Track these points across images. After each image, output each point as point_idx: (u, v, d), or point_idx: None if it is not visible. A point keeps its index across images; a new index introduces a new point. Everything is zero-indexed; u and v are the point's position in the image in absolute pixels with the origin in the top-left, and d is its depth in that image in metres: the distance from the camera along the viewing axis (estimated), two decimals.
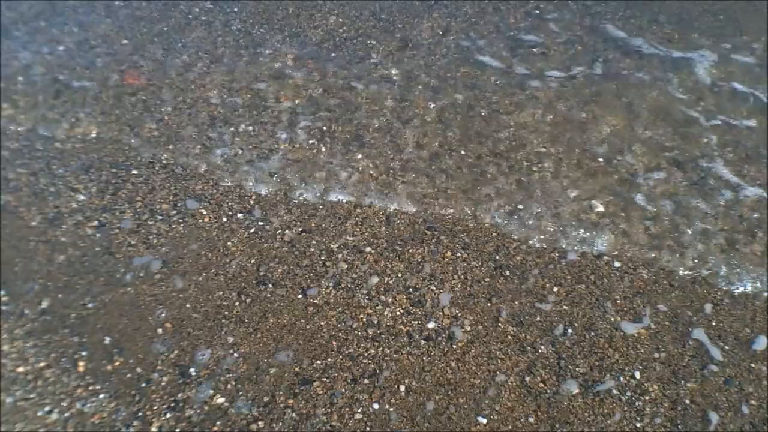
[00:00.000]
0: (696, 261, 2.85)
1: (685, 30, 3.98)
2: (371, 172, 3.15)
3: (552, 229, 2.94)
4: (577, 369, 2.45)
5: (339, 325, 2.56)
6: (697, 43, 3.90)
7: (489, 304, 2.64)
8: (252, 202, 3.02)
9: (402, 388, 2.38)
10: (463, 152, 3.25)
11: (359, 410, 2.32)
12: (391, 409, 2.32)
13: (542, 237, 2.91)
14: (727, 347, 2.55)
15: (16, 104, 3.43)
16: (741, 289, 2.76)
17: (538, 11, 4.06)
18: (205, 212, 2.97)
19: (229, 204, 3.01)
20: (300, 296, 2.65)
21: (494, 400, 2.35)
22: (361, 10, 4.06)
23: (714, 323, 2.63)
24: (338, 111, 3.44)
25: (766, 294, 2.74)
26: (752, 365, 2.50)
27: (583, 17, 4.05)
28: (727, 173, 3.20)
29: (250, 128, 3.35)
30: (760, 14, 4.12)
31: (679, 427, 2.31)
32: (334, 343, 2.51)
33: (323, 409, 2.32)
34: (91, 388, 2.37)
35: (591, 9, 4.13)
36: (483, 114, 3.41)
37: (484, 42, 3.81)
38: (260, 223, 2.92)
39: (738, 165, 3.25)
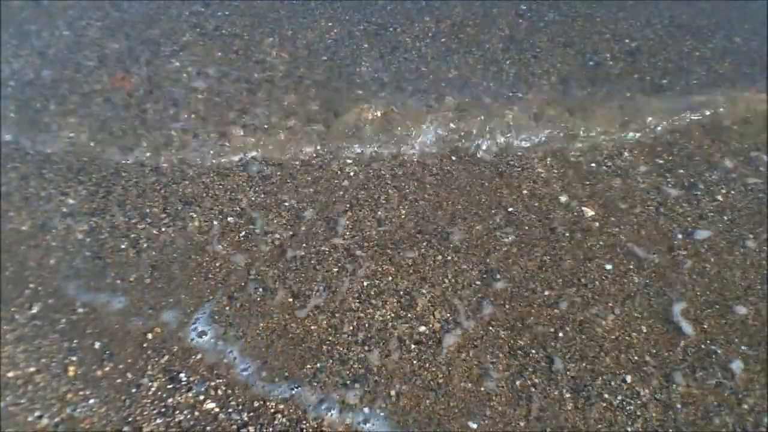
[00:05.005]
0: None
1: None
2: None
3: None
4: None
5: (329, 329, 2.55)
6: None
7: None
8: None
9: (393, 392, 2.37)
10: None
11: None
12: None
13: None
14: None
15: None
16: None
17: None
18: (195, 215, 2.96)
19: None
20: (290, 299, 2.64)
21: (485, 405, 2.34)
22: None
23: None
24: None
25: None
26: None
27: None
28: None
29: None
30: None
31: None
32: (325, 347, 2.50)
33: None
34: (81, 393, 2.37)
35: None
36: None
37: None
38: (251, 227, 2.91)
39: None
